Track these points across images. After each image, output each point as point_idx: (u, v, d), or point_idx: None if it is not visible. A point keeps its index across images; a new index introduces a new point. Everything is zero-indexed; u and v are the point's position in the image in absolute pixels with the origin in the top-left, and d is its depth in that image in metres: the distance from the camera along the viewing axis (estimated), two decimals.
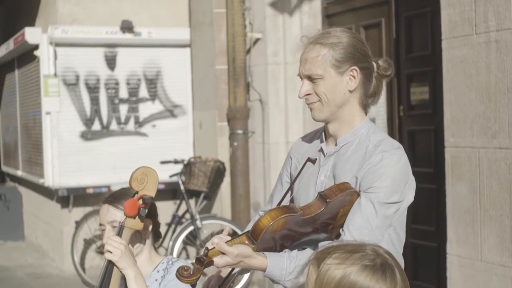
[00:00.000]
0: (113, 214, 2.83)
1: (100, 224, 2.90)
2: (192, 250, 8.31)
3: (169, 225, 7.98)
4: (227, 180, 7.99)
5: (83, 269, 8.13)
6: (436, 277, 6.14)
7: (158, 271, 2.85)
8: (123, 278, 2.72)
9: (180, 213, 8.04)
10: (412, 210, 6.25)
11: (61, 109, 8.50)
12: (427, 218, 6.31)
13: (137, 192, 2.69)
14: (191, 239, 7.78)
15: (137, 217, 2.67)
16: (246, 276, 7.29)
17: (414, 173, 2.67)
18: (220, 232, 2.54)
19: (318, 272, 1.76)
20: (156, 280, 2.83)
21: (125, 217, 2.68)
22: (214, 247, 2.35)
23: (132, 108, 8.83)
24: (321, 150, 2.75)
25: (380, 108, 6.73)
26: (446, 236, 5.44)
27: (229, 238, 2.41)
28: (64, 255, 8.49)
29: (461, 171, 5.27)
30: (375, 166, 2.52)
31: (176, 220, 7.97)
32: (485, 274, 5.11)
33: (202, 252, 2.35)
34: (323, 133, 2.78)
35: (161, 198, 8.11)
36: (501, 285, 5.00)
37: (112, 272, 2.66)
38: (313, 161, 2.62)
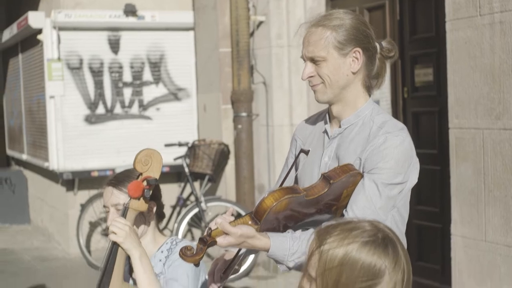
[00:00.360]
0: (116, 196, 2.83)
1: (104, 206, 2.91)
2: (197, 232, 8.34)
3: (174, 207, 8.00)
4: (231, 162, 8.00)
5: (89, 252, 8.17)
6: (441, 258, 6.17)
7: (162, 252, 2.87)
8: (128, 259, 2.74)
9: (184, 195, 8.07)
10: (417, 191, 6.27)
11: (65, 93, 8.50)
12: (431, 199, 6.33)
13: (141, 174, 2.70)
14: (196, 221, 7.81)
15: (141, 199, 2.68)
16: (251, 257, 7.32)
17: (418, 155, 2.67)
18: (225, 213, 2.54)
19: (320, 252, 1.76)
20: (160, 260, 2.84)
21: (129, 198, 2.69)
22: (218, 228, 2.36)
23: (136, 91, 8.83)
24: (325, 131, 2.75)
25: (384, 90, 6.73)
26: (451, 217, 5.46)
27: (232, 218, 2.41)
28: (70, 238, 8.52)
29: (465, 152, 5.27)
30: (379, 148, 2.52)
31: (181, 203, 7.99)
32: (490, 255, 5.13)
33: (205, 232, 2.36)
34: (327, 114, 2.78)
35: (165, 181, 8.14)
36: (505, 265, 5.02)
37: (117, 253, 2.68)
38: (306, 152, 2.63)
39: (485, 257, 5.17)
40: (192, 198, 7.98)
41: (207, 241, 2.32)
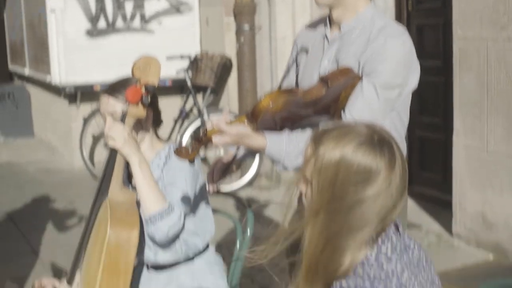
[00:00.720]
0: (112, 105, 2.80)
1: (101, 115, 2.90)
2: None
3: (176, 120, 8.00)
4: (234, 75, 7.97)
5: (92, 164, 8.23)
6: (443, 168, 6.19)
7: (160, 158, 2.86)
8: (127, 166, 2.74)
9: (187, 108, 8.07)
10: (420, 102, 6.27)
11: (66, 6, 8.40)
12: (434, 110, 6.32)
13: (139, 81, 2.68)
14: (199, 133, 7.83)
15: (139, 105, 2.66)
16: (253, 168, 7.39)
17: (422, 66, 2.64)
18: None
19: (315, 155, 1.76)
20: (158, 166, 2.83)
21: (127, 104, 2.67)
22: (213, 127, 2.35)
23: (137, 5, 8.71)
24: (325, 36, 2.72)
25: (388, 2, 6.64)
26: (453, 128, 5.46)
27: (228, 118, 2.40)
28: (73, 150, 8.57)
29: (469, 63, 5.24)
30: (378, 50, 2.49)
31: (184, 115, 8.00)
32: (491, 164, 5.15)
33: (201, 132, 2.35)
34: (327, 19, 2.75)
35: (168, 94, 8.13)
36: (507, 174, 5.05)
37: (116, 160, 2.68)
38: (306, 51, 2.60)
39: (486, 167, 5.20)
40: (195, 111, 7.99)
41: (202, 140, 2.32)
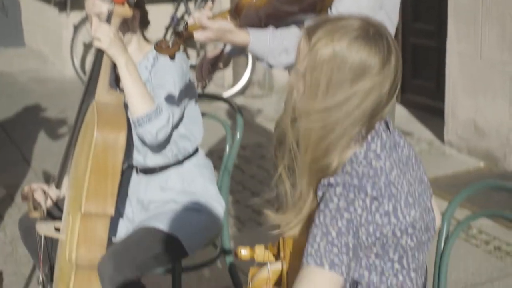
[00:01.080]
0: (98, 5, 2.73)
1: (86, 16, 2.82)
2: (191, 52, 8.26)
3: (167, 28, 7.90)
4: None
5: (84, 72, 8.16)
6: (436, 75, 6.15)
7: (148, 60, 2.80)
8: (114, 68, 2.69)
9: (178, 15, 7.95)
10: (414, 9, 6.20)
11: None
12: (428, 17, 6.24)
13: None
14: (192, 41, 7.72)
15: (125, 4, 2.59)
16: (245, 76, 7.35)
17: None
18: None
19: (310, 49, 1.70)
20: (146, 67, 2.78)
21: (113, 4, 2.60)
22: (195, 22, 2.29)
23: None
24: None
25: None
26: (447, 35, 5.41)
27: (211, 14, 2.33)
28: (64, 59, 8.49)
29: None
30: None
31: (175, 22, 7.88)
32: (485, 71, 5.12)
33: (182, 27, 2.28)
34: None
35: (159, 1, 7.99)
36: (500, 81, 5.02)
37: (102, 62, 2.62)
38: None
39: (479, 73, 5.17)
40: (186, 18, 7.87)
41: (183, 35, 2.26)
